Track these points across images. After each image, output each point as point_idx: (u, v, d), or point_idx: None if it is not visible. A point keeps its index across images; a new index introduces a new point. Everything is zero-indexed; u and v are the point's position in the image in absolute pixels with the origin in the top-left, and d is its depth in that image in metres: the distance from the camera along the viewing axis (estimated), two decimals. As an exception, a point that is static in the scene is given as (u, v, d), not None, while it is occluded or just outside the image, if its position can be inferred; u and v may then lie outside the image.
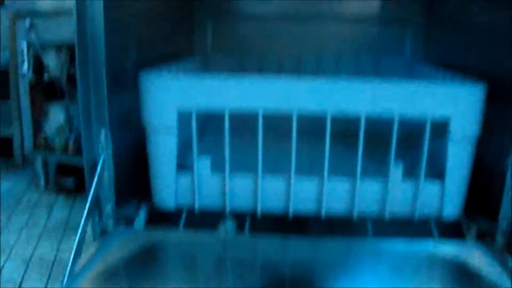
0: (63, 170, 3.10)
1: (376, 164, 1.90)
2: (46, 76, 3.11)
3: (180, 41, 2.63)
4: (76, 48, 1.62)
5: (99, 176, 1.65)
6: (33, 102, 3.12)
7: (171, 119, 1.65)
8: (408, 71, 2.57)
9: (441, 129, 1.64)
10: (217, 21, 2.75)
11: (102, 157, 1.64)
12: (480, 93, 1.63)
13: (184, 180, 1.74)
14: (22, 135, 3.22)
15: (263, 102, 1.62)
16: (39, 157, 3.13)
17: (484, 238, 1.71)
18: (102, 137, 1.64)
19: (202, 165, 1.71)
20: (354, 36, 2.74)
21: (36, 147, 3.11)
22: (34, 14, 3.05)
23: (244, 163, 1.81)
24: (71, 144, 2.99)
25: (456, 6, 2.27)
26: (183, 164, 1.79)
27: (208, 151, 1.79)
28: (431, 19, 2.63)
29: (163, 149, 1.71)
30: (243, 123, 1.68)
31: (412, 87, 1.62)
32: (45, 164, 3.17)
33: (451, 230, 1.78)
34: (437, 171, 1.71)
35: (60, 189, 3.09)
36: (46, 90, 3.14)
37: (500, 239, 1.66)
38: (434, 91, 1.62)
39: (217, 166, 1.73)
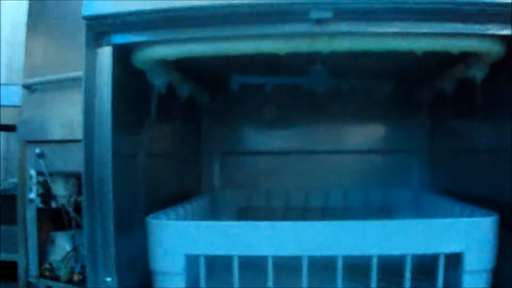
0: (68, 299, 3.01)
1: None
2: (53, 204, 3.10)
3: (188, 178, 2.67)
4: (84, 188, 1.63)
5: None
6: (39, 229, 3.09)
7: (179, 264, 1.62)
8: (415, 202, 2.57)
9: (455, 259, 1.60)
10: (224, 157, 2.80)
11: (108, 304, 1.60)
12: (492, 225, 1.60)
13: (194, 328, 1.68)
14: (27, 261, 3.16)
15: (272, 249, 1.59)
16: (43, 285, 3.06)
17: None
18: (108, 284, 1.60)
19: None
20: (361, 168, 2.78)
21: (41, 274, 3.05)
22: (44, 141, 3.09)
23: None
24: (76, 273, 2.93)
25: (458, 133, 2.32)
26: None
27: None
28: (435, 148, 2.68)
29: (170, 294, 1.66)
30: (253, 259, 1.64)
31: (422, 224, 1.60)
32: (50, 294, 3.10)
33: None
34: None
35: (63, 320, 2.99)
36: (53, 218, 3.12)
37: None
38: (445, 227, 1.60)
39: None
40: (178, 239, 1.63)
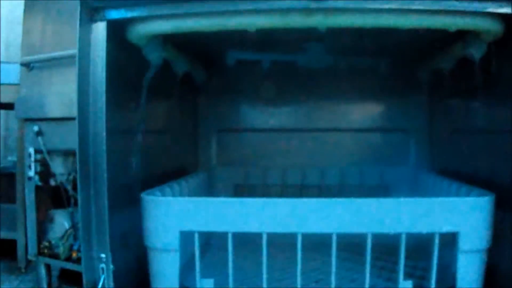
0: (67, 276, 3.03)
1: (385, 281, 1.86)
2: (52, 182, 3.10)
3: (185, 155, 2.67)
4: (78, 164, 1.63)
5: (100, 294, 1.61)
6: (38, 207, 3.10)
7: (173, 240, 1.63)
8: (413, 181, 2.57)
9: (451, 238, 1.60)
10: (221, 135, 2.80)
11: (102, 280, 1.60)
12: (488, 205, 1.60)
13: (188, 302, 1.69)
14: (26, 239, 3.17)
15: (267, 226, 1.59)
16: (42, 262, 3.07)
17: None
18: (103, 260, 1.61)
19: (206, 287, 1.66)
20: (358, 146, 2.77)
21: (40, 252, 3.06)
22: (43, 119, 3.09)
23: (249, 281, 1.81)
24: (75, 251, 2.94)
25: (457, 113, 2.31)
26: (186, 284, 1.75)
27: (212, 268, 1.75)
28: (433, 127, 2.67)
29: (164, 270, 1.67)
30: (248, 235, 1.64)
31: (417, 203, 1.60)
32: (49, 270, 3.11)
33: None
34: (448, 284, 1.66)
35: (62, 296, 3.02)
36: (52, 196, 3.13)
37: None
38: (441, 206, 1.59)
39: (222, 286, 1.68)
40: (173, 215, 1.63)
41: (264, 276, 1.63)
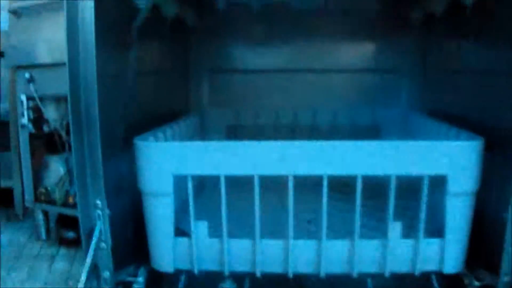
0: (64, 221, 3.08)
1: (376, 221, 1.90)
2: (46, 128, 3.11)
3: (177, 98, 2.66)
4: (70, 107, 1.63)
5: (96, 244, 1.65)
6: (33, 154, 3.13)
7: (167, 185, 1.65)
8: (404, 122, 2.58)
9: (441, 181, 1.63)
10: (213, 76, 2.78)
11: (98, 227, 1.64)
12: (476, 149, 1.62)
13: (182, 245, 1.72)
14: (23, 186, 3.21)
15: (258, 168, 1.62)
16: (39, 208, 3.12)
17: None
18: (98, 207, 1.64)
19: (200, 230, 1.70)
20: (350, 87, 2.77)
21: (36, 199, 3.11)
22: (34, 66, 3.07)
23: (242, 223, 1.82)
24: (71, 196, 2.98)
25: (449, 55, 2.29)
26: (181, 227, 1.78)
27: (206, 211, 1.79)
28: (427, 68, 2.66)
29: (159, 214, 1.70)
30: (241, 179, 1.67)
31: (407, 146, 1.61)
32: (46, 216, 3.17)
33: (453, 285, 1.76)
34: (437, 225, 1.70)
35: (61, 241, 3.08)
36: (46, 142, 3.15)
37: (502, 294, 1.64)
38: (430, 150, 1.61)
39: (216, 228, 1.72)
40: (166, 160, 1.65)
41: (257, 216, 1.66)
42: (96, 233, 1.63)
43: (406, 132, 2.52)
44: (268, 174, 1.62)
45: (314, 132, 2.72)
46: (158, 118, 2.11)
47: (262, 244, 1.70)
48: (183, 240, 1.72)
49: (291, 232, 1.67)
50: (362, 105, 2.74)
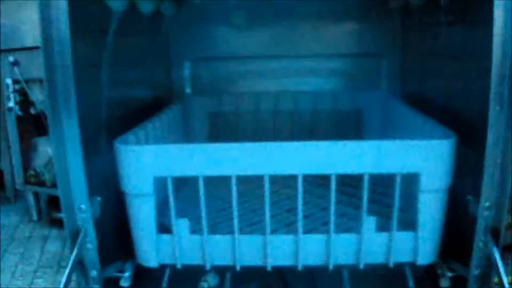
0: (55, 202, 3.15)
1: (355, 209, 1.97)
2: (32, 111, 3.14)
3: (159, 87, 2.67)
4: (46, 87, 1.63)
5: (81, 243, 1.70)
6: (21, 136, 3.16)
7: (147, 186, 1.69)
8: (384, 105, 2.61)
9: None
10: (194, 63, 2.79)
11: (83, 230, 1.69)
12: (449, 147, 1.65)
13: (165, 241, 1.78)
14: (12, 169, 3.26)
15: (235, 169, 1.66)
16: (30, 190, 3.18)
17: (459, 284, 1.77)
18: (83, 210, 1.68)
19: (181, 227, 1.76)
20: (331, 71, 2.78)
21: (26, 181, 3.16)
22: (17, 49, 3.07)
23: (223, 219, 1.94)
24: (60, 178, 3.03)
25: (426, 39, 2.31)
26: (165, 222, 1.84)
27: (188, 204, 1.86)
28: (406, 52, 2.67)
29: (141, 213, 1.75)
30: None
31: (379, 146, 1.65)
32: (37, 197, 3.23)
33: (426, 276, 1.84)
34: (411, 219, 1.75)
35: (52, 222, 3.15)
36: (33, 125, 3.18)
37: (472, 286, 1.72)
38: (403, 149, 1.64)
39: (197, 223, 1.77)
40: (146, 162, 1.68)
41: (235, 213, 1.72)
42: (81, 236, 1.68)
43: (386, 117, 2.56)
44: (245, 175, 1.67)
45: (295, 117, 2.76)
46: (142, 108, 2.13)
47: (241, 239, 1.76)
48: (166, 237, 1.78)
49: (268, 230, 1.72)
50: (343, 89, 2.77)
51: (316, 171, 1.68)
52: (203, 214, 1.72)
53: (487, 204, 1.63)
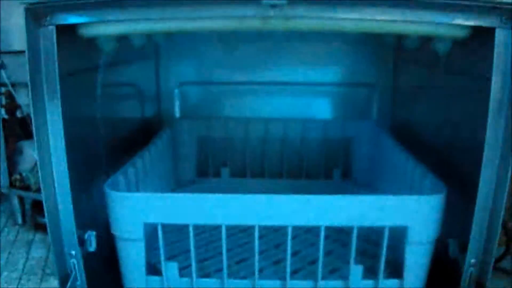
0: (39, 207, 3.13)
1: (341, 249, 1.99)
2: (18, 114, 3.10)
3: (148, 113, 2.65)
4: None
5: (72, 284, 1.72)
6: (7, 140, 3.12)
7: (137, 232, 1.70)
8: (374, 134, 2.61)
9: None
10: (183, 88, 2.77)
11: (73, 273, 1.70)
12: (439, 201, 1.67)
13: (154, 283, 1.79)
14: (-2, 172, 3.22)
15: (225, 219, 1.67)
16: (15, 194, 3.15)
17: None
18: (73, 256, 1.69)
19: (170, 271, 1.77)
20: (322, 100, 2.79)
21: (11, 185, 3.13)
22: (4, 53, 3.00)
23: (212, 253, 2.00)
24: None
25: (417, 76, 2.31)
26: (154, 263, 1.85)
27: (177, 234, 1.90)
28: (397, 83, 2.67)
29: (130, 256, 1.75)
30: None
31: (369, 200, 1.67)
32: (22, 201, 3.21)
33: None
34: (397, 267, 1.79)
35: (37, 227, 3.14)
36: (19, 128, 3.14)
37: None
38: (391, 203, 1.66)
39: (185, 258, 1.80)
40: (136, 209, 1.68)
41: (224, 259, 1.74)
42: (71, 280, 1.68)
43: (376, 148, 2.57)
44: (235, 224, 1.68)
45: (284, 144, 2.76)
46: (131, 137, 2.11)
47: (230, 283, 1.77)
48: (155, 279, 1.79)
49: (257, 275, 1.74)
50: (333, 118, 2.77)
51: (305, 223, 1.69)
52: (193, 262, 1.73)
53: (473, 261, 1.66)
